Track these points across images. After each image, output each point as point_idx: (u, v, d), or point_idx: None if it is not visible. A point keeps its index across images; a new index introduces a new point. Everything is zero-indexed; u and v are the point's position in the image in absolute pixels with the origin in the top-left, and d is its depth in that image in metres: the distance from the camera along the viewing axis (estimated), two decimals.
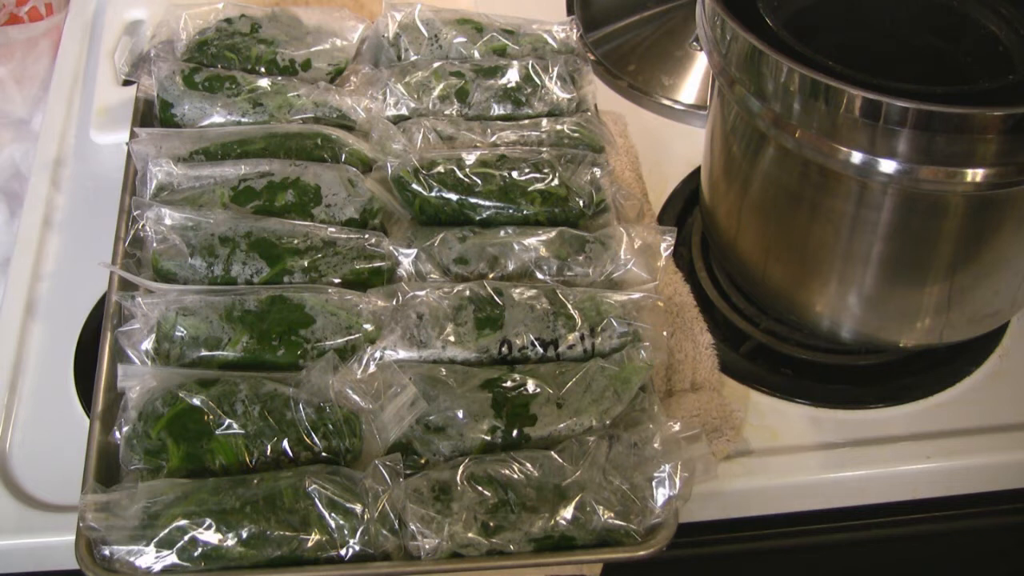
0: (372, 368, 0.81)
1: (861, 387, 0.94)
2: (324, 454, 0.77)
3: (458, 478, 0.75)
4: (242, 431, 0.76)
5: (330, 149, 0.97)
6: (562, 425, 0.80)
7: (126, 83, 1.12)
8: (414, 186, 0.93)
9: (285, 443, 0.77)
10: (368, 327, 0.84)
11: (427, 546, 0.73)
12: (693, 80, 1.19)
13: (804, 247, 0.87)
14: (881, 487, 0.90)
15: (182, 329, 0.82)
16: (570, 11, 1.27)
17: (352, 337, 0.83)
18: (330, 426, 0.77)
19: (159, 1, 1.13)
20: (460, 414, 0.80)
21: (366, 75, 1.05)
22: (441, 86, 1.03)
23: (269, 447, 0.76)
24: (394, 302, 0.86)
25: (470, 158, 0.95)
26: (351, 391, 0.79)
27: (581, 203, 0.95)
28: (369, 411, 0.78)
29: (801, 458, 0.89)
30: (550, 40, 1.11)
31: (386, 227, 0.94)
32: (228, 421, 0.76)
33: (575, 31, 1.12)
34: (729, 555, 0.92)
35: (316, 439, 0.77)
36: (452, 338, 0.85)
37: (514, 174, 0.94)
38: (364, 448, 0.78)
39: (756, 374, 0.94)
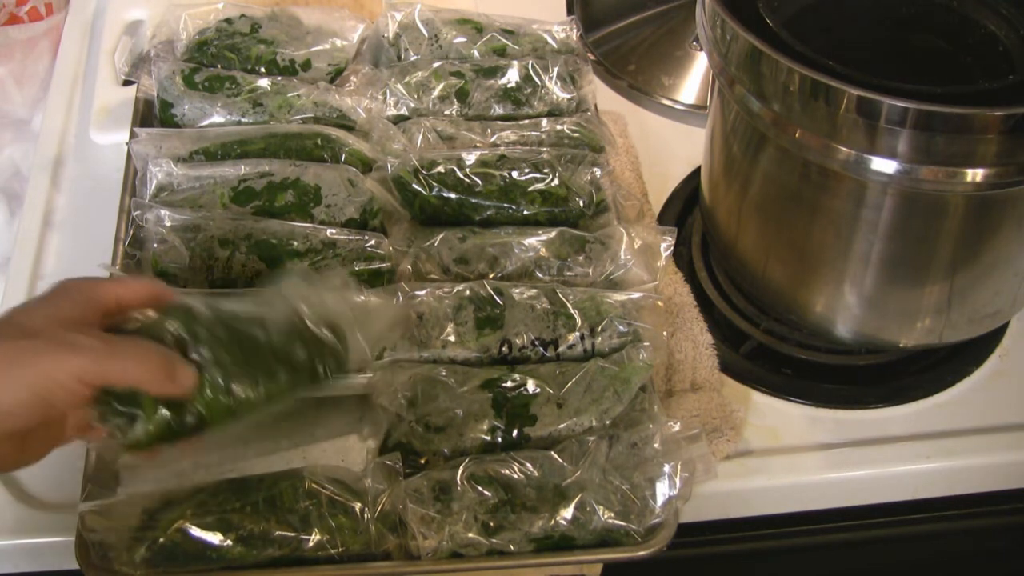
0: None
1: (861, 387, 0.94)
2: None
3: (458, 478, 0.75)
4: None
5: (330, 149, 0.97)
6: (562, 425, 0.80)
7: (126, 83, 1.12)
8: (414, 186, 0.93)
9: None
10: None
11: (427, 546, 0.73)
12: (693, 80, 1.19)
13: (804, 247, 0.87)
14: (881, 487, 0.90)
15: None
16: (570, 11, 1.27)
17: None
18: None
19: (159, 1, 1.13)
20: (460, 414, 0.80)
21: (366, 75, 1.05)
22: (441, 86, 1.03)
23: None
24: (394, 302, 0.86)
25: (470, 158, 0.95)
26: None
27: (581, 203, 0.95)
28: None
29: (801, 458, 0.88)
30: (550, 40, 1.11)
31: (386, 227, 0.94)
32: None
33: (575, 31, 1.12)
34: (729, 555, 0.92)
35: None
36: (452, 338, 0.85)
37: (514, 174, 0.94)
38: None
39: (756, 374, 0.94)
